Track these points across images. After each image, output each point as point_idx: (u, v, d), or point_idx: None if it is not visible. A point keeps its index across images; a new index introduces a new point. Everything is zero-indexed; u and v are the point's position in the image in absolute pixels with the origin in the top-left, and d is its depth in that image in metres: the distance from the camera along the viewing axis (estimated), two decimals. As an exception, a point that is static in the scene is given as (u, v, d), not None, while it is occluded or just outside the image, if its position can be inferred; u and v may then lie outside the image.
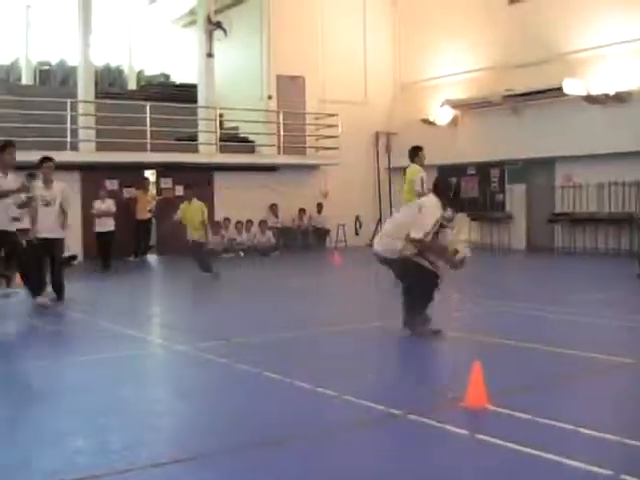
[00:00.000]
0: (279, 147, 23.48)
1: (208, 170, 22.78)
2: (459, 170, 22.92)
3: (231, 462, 4.59)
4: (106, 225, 18.16)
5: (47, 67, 27.81)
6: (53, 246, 11.93)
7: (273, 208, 23.62)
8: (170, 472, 4.44)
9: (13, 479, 4.36)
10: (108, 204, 18.30)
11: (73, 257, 19.49)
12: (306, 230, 24.15)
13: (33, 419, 5.57)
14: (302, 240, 24.02)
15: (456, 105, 23.84)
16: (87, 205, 19.64)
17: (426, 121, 24.59)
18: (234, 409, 5.76)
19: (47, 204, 11.84)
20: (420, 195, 13.18)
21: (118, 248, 18.61)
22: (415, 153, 13.52)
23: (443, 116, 24.25)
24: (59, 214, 11.98)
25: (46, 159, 12.21)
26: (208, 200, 22.29)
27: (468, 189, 22.88)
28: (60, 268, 12.12)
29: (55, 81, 27.40)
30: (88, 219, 19.42)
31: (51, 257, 12.02)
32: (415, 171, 13.29)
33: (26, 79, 27.08)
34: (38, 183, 12.04)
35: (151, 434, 5.19)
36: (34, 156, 18.06)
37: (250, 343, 8.40)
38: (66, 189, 12.42)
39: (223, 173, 23.03)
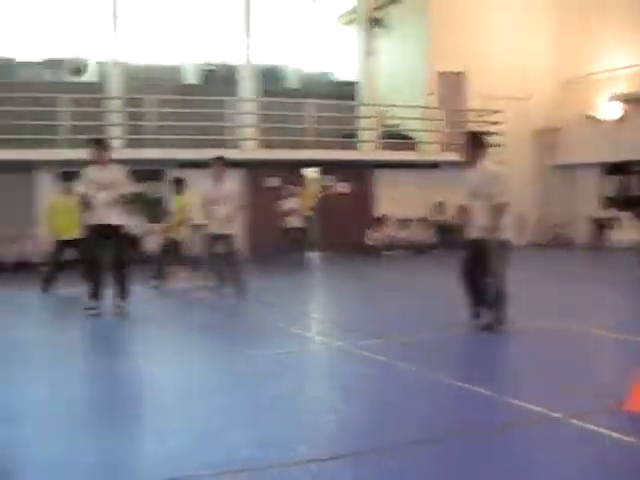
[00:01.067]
0: (441, 144, 23.30)
1: (369, 167, 22.88)
2: (627, 167, 22.16)
3: (388, 460, 4.59)
4: (294, 222, 19.08)
5: (211, 67, 28.42)
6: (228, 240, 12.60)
7: (439, 206, 23.20)
8: (328, 468, 4.51)
9: (175, 469, 4.53)
10: (293, 202, 19.16)
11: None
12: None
13: (195, 413, 5.78)
14: (462, 238, 23.38)
15: (626, 100, 22.81)
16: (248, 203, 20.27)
17: (592, 117, 23.73)
18: (392, 407, 5.77)
19: (216, 203, 12.34)
20: None
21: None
22: None
23: (611, 112, 23.26)
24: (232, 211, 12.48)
25: (218, 158, 12.66)
26: (368, 197, 22.76)
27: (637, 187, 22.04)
28: (235, 261, 12.70)
29: (219, 80, 28.19)
30: (255, 217, 20.12)
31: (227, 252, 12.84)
32: None
33: (191, 79, 27.95)
34: (207, 182, 12.51)
35: (310, 430, 5.27)
36: (200, 155, 18.97)
37: (408, 341, 8.41)
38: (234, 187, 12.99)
39: (384, 170, 23.01)
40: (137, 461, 4.78)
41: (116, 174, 10.66)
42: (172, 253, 13.91)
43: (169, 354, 8.18)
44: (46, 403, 6.13)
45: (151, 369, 7.44)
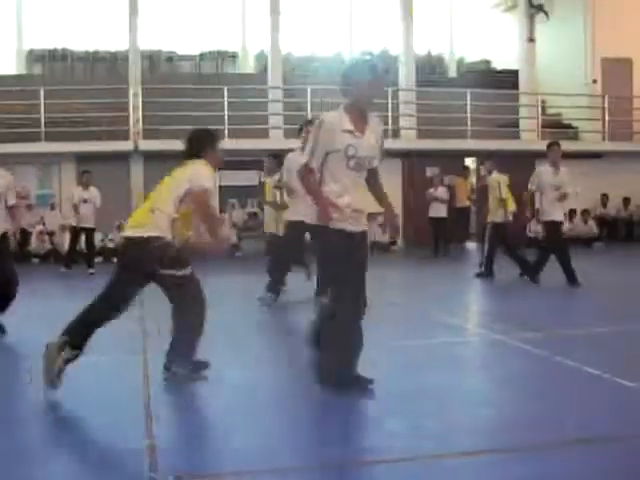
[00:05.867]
0: (604, 133, 23.01)
1: (530, 157, 21.45)
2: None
3: (543, 458, 4.44)
4: (438, 211, 18.90)
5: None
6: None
7: (603, 198, 22.81)
8: (479, 463, 4.42)
9: (332, 454, 4.45)
10: (441, 192, 19.05)
11: (393, 242, 19.77)
12: (631, 221, 23.07)
13: (351, 402, 5.52)
14: (626, 231, 23.11)
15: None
16: (406, 192, 20.57)
17: None
18: (550, 403, 5.52)
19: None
20: None
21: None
22: None
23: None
24: None
25: (553, 143, 12.67)
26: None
27: None
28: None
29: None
30: (414, 206, 20.03)
31: None
32: None
33: None
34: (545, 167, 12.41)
35: (464, 422, 5.15)
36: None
37: (568, 335, 8.18)
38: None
39: (545, 160, 21.71)
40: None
41: None
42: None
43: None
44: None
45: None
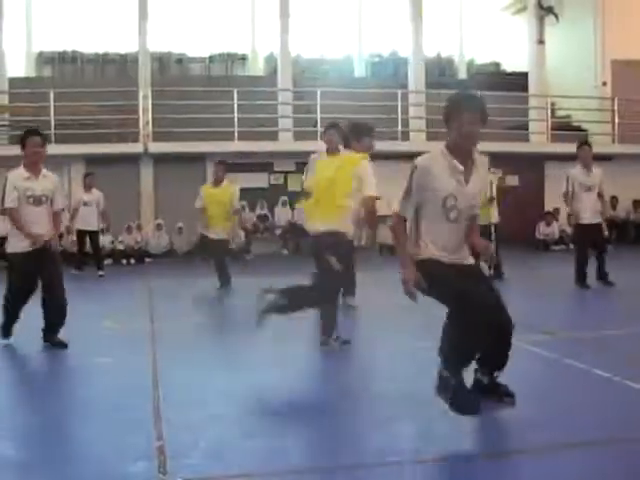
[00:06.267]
0: (614, 136, 23.00)
1: (539, 159, 22.25)
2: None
3: (551, 459, 4.47)
4: None
5: (378, 59, 28.18)
6: None
7: (613, 200, 22.08)
8: (484, 464, 4.46)
9: (339, 456, 4.53)
10: None
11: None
12: (641, 224, 22.96)
13: (360, 405, 5.69)
14: (636, 233, 23.04)
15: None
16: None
17: None
18: (562, 406, 5.50)
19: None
20: None
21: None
22: None
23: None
24: None
25: (583, 143, 12.55)
26: (539, 190, 22.28)
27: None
28: None
29: (386, 73, 27.18)
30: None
31: None
32: None
33: (358, 72, 27.55)
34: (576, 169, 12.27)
35: (471, 424, 5.07)
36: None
37: (578, 338, 8.15)
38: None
39: (555, 163, 21.32)
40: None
41: None
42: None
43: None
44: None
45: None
